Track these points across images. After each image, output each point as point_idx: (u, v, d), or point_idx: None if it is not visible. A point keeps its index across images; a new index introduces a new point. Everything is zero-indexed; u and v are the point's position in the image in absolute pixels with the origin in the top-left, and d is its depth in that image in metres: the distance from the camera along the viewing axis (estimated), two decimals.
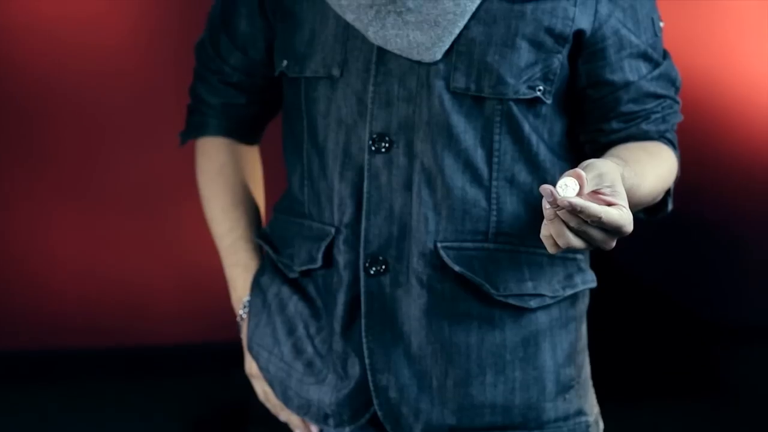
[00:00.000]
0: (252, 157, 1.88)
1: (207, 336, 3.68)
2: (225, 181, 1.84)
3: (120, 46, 3.45)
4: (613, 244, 1.40)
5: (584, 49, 1.63)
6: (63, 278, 3.72)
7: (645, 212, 1.71)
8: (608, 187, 1.38)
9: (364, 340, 1.65)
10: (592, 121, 1.68)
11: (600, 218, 1.34)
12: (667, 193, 1.69)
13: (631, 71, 1.64)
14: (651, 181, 1.59)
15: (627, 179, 1.45)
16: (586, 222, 1.35)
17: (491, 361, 1.65)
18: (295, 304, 1.73)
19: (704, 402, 4.05)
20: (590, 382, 1.76)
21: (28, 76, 3.40)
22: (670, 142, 1.69)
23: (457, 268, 1.61)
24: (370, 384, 1.66)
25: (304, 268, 1.71)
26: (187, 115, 1.87)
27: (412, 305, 1.64)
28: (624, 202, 1.39)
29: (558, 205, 1.33)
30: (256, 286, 1.79)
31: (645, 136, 1.67)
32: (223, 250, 1.84)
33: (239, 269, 1.82)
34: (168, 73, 3.30)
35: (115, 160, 3.61)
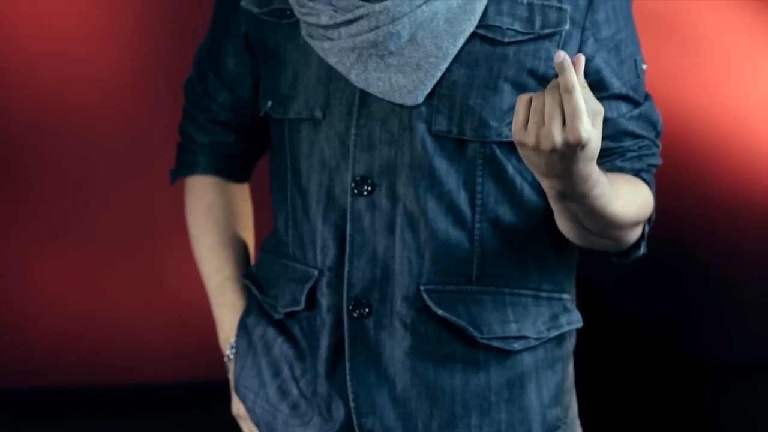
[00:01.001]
0: (242, 195, 1.88)
1: (194, 374, 3.67)
2: (213, 220, 1.84)
3: (108, 83, 3.44)
4: (559, 140, 1.39)
5: None
6: (49, 316, 3.70)
7: (617, 255, 1.69)
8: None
9: (348, 382, 1.65)
10: None
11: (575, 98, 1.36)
12: (642, 236, 1.67)
13: (610, 110, 1.63)
14: (624, 204, 1.56)
15: (601, 184, 1.46)
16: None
17: (476, 403, 1.64)
18: (280, 346, 1.73)
19: None
20: (578, 422, 1.76)
21: (15, 114, 3.40)
22: (645, 182, 1.67)
23: (440, 312, 1.61)
24: (356, 427, 1.66)
25: (288, 309, 1.71)
26: (176, 154, 1.87)
27: (396, 348, 1.63)
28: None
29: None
30: (242, 327, 1.79)
31: (619, 172, 1.65)
32: (211, 289, 1.84)
33: (226, 309, 1.82)
34: (156, 110, 3.30)
35: (103, 198, 3.60)
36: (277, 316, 1.73)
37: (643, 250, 1.68)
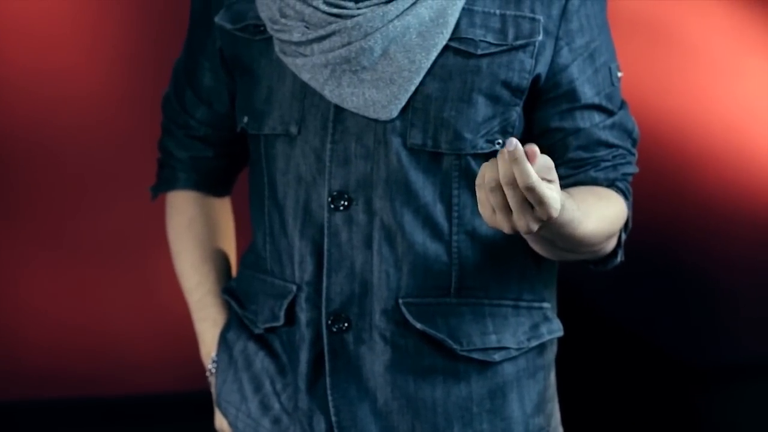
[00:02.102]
0: (222, 210, 1.89)
1: (183, 385, 3.67)
2: (194, 235, 1.84)
3: (95, 97, 3.44)
4: (535, 227, 1.37)
5: (537, 97, 1.63)
6: (37, 328, 3.70)
7: (594, 263, 1.68)
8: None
9: (329, 397, 1.65)
10: None
11: (532, 183, 1.32)
12: (618, 244, 1.66)
13: (583, 119, 1.63)
14: (595, 222, 1.55)
15: (568, 210, 1.44)
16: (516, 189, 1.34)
17: (458, 415, 1.64)
18: (261, 360, 1.73)
19: None
20: (561, 430, 1.76)
21: (1, 128, 3.40)
22: (621, 191, 1.66)
23: (418, 326, 1.61)
24: None
25: (267, 325, 1.71)
26: (157, 169, 1.87)
27: (377, 361, 1.63)
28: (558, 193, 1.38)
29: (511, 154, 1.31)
30: (223, 341, 1.79)
31: (593, 183, 1.65)
32: (192, 304, 1.85)
33: (207, 324, 1.83)
34: (144, 123, 3.29)
35: (92, 210, 3.60)
36: (257, 331, 1.73)
37: (620, 258, 1.68)
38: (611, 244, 1.64)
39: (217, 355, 1.79)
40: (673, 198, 3.37)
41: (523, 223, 1.36)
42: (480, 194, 1.38)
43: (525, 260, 1.65)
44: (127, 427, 4.00)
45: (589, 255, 1.63)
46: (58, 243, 3.60)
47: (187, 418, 3.81)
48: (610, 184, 1.65)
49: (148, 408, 4.01)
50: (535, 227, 1.37)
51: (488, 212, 1.38)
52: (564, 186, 1.63)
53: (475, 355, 1.63)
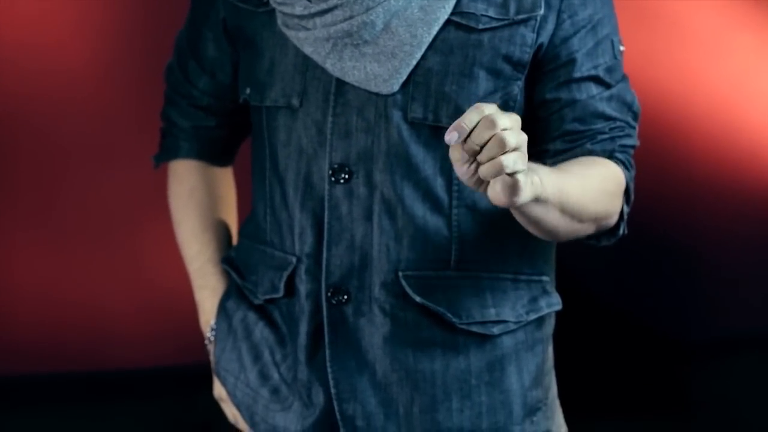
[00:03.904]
0: (224, 179, 1.89)
1: (171, 359, 3.67)
2: (195, 204, 1.85)
3: (80, 72, 3.43)
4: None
5: (536, 69, 1.63)
6: (25, 303, 3.69)
7: (596, 237, 1.67)
8: None
9: (329, 369, 1.66)
10: (538, 141, 1.65)
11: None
12: (621, 217, 1.66)
13: (579, 91, 1.63)
14: (582, 190, 1.55)
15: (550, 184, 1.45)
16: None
17: (457, 387, 1.65)
18: (261, 330, 1.74)
19: (670, 419, 4.06)
20: (557, 402, 1.77)
21: None
22: (619, 161, 1.65)
23: (418, 299, 1.62)
24: (337, 413, 1.66)
25: (267, 296, 1.72)
26: (160, 139, 1.87)
27: (376, 334, 1.64)
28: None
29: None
30: (222, 310, 1.80)
31: (591, 156, 1.64)
32: (192, 273, 1.85)
33: (207, 292, 1.83)
34: (129, 98, 3.29)
35: (78, 186, 3.59)
36: (257, 302, 1.74)
37: (623, 230, 1.67)
38: (611, 215, 1.63)
39: (216, 323, 1.80)
40: (660, 176, 3.38)
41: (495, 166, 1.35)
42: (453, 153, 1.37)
43: (524, 234, 1.65)
44: (117, 402, 4.00)
45: (584, 231, 1.61)
46: (47, 219, 3.59)
47: (178, 392, 3.82)
48: (608, 156, 1.64)
49: (138, 382, 4.01)
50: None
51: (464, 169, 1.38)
52: (562, 161, 1.63)
53: (474, 329, 1.64)
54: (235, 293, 1.79)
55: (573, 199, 1.51)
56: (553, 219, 1.51)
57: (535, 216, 1.48)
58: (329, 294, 1.64)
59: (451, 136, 1.32)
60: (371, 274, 1.63)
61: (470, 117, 1.32)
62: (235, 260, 1.80)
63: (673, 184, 3.47)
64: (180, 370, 3.51)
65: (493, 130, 1.32)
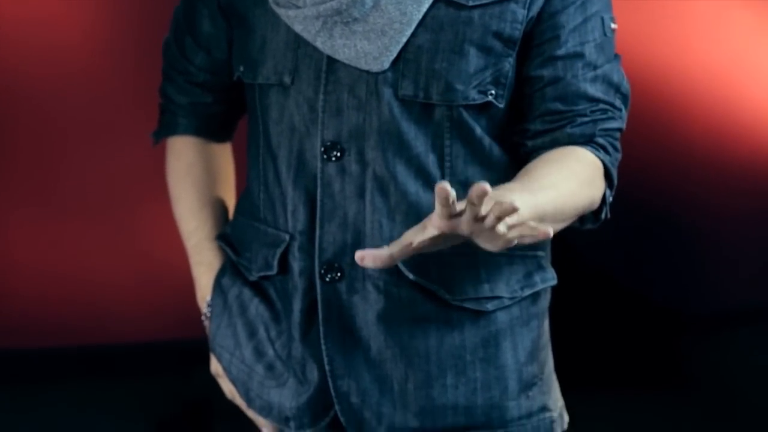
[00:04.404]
0: (223, 155, 1.89)
1: (169, 334, 3.67)
2: (193, 180, 1.85)
3: (79, 46, 3.43)
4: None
5: (526, 45, 1.61)
6: (23, 278, 3.70)
7: (579, 220, 1.65)
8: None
9: (323, 346, 1.66)
10: (519, 120, 1.65)
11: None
12: (603, 202, 1.64)
13: (564, 68, 1.61)
14: (558, 197, 1.53)
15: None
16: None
17: (451, 363, 1.65)
18: (256, 307, 1.74)
19: (668, 392, 4.07)
20: (554, 377, 1.77)
21: None
22: (599, 147, 1.63)
23: (411, 276, 1.62)
24: (331, 390, 1.67)
25: (261, 273, 1.73)
26: (159, 115, 1.88)
27: (370, 311, 1.64)
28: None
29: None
30: (218, 286, 1.80)
31: (570, 141, 1.62)
32: (190, 249, 1.86)
33: (203, 268, 1.84)
34: (127, 73, 3.28)
35: (75, 161, 3.59)
36: (251, 279, 1.75)
37: (605, 214, 1.66)
38: (594, 203, 1.62)
39: (212, 299, 1.81)
40: (659, 151, 3.38)
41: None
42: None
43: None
44: (116, 376, 4.01)
45: (568, 223, 1.60)
46: (46, 195, 3.59)
47: (177, 366, 3.83)
48: (587, 141, 1.62)
49: (137, 357, 4.02)
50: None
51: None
52: (542, 145, 1.62)
53: (468, 305, 1.64)
54: (230, 270, 1.79)
55: (550, 210, 1.50)
56: (533, 233, 1.49)
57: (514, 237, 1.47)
58: (322, 271, 1.64)
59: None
60: None
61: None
62: (230, 237, 1.81)
63: (672, 159, 3.47)
64: (179, 344, 3.51)
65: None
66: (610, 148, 1.64)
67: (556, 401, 1.75)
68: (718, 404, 3.97)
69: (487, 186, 1.29)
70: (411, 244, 1.38)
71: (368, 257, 1.37)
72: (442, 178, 1.61)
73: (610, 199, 1.66)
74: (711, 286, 3.97)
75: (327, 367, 1.66)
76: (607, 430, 3.88)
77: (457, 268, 1.64)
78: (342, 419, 1.68)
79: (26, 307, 3.76)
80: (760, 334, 4.11)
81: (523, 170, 1.57)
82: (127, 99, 2.85)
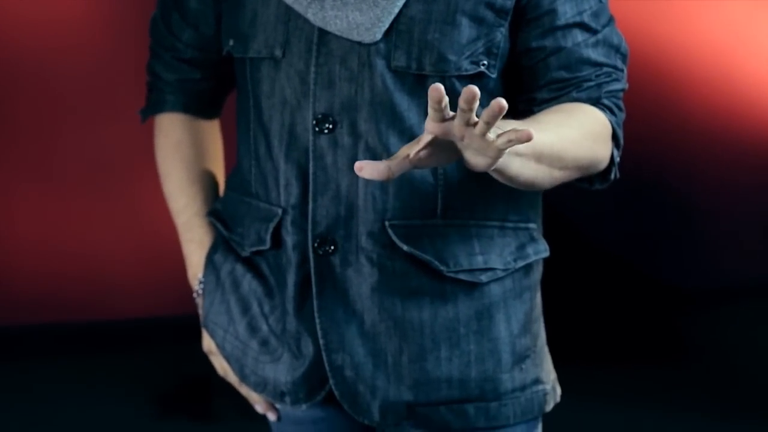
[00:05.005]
0: (211, 132, 1.88)
1: (169, 309, 3.68)
2: (181, 157, 1.84)
3: (77, 22, 3.43)
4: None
5: (520, 17, 1.61)
6: (23, 254, 3.70)
7: (588, 181, 1.66)
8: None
9: (317, 320, 1.66)
10: (524, 89, 1.65)
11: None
12: (612, 161, 1.64)
13: (564, 38, 1.61)
14: (559, 138, 1.52)
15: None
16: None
17: (445, 336, 1.65)
18: (249, 282, 1.74)
19: (668, 366, 4.07)
20: (546, 349, 1.77)
21: None
22: (605, 108, 1.63)
23: (405, 248, 1.61)
24: (326, 363, 1.67)
25: (254, 249, 1.72)
26: (146, 92, 1.87)
27: (363, 284, 1.64)
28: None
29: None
30: (210, 263, 1.80)
31: (574, 103, 1.62)
32: (180, 226, 1.86)
33: (194, 245, 1.84)
34: (126, 48, 3.28)
35: (77, 136, 3.59)
36: (244, 254, 1.74)
37: (613, 175, 1.65)
38: (599, 160, 1.61)
39: (204, 276, 1.80)
40: (659, 123, 3.37)
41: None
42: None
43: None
44: (116, 352, 4.02)
45: (570, 174, 1.59)
46: (44, 169, 3.59)
47: (177, 342, 3.83)
48: (594, 104, 1.62)
49: (137, 332, 4.03)
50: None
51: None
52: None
53: (461, 276, 1.63)
54: (222, 246, 1.79)
55: (548, 148, 1.49)
56: (529, 170, 1.48)
57: (510, 172, 1.46)
58: (316, 245, 1.64)
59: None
60: (357, 224, 1.63)
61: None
62: (221, 213, 1.80)
63: (673, 133, 3.47)
64: (179, 320, 3.51)
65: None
66: (615, 109, 1.64)
67: (549, 374, 1.75)
68: (718, 378, 3.98)
69: (476, 89, 1.27)
70: (408, 156, 1.36)
71: (366, 168, 1.34)
72: None
73: (618, 159, 1.65)
74: (711, 261, 3.97)
75: (321, 341, 1.66)
76: (607, 404, 3.89)
77: (450, 239, 1.63)
78: (336, 392, 1.67)
79: (27, 283, 3.77)
80: (761, 308, 4.12)
81: (529, 119, 1.56)
82: (129, 74, 2.84)
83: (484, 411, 1.67)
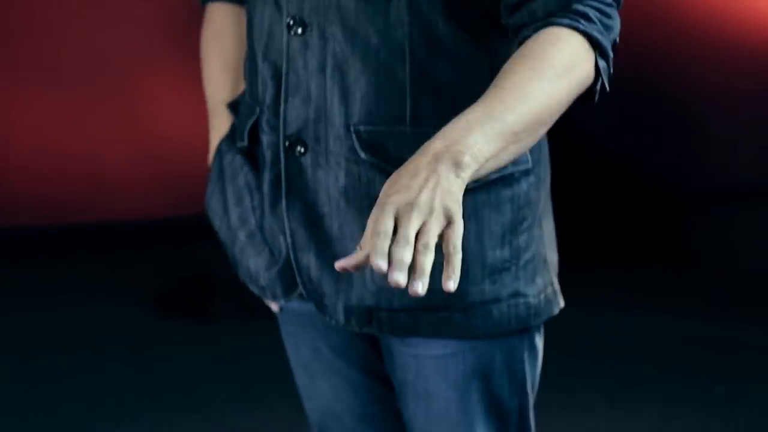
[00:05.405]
0: None
1: (169, 211, 3.70)
2: (219, 45, 1.88)
3: None
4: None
5: None
6: (24, 154, 3.72)
7: (580, 99, 1.55)
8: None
9: (285, 219, 1.68)
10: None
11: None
12: (598, 73, 1.52)
13: None
14: (527, 104, 1.44)
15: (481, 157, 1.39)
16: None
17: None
18: (245, 175, 1.76)
19: (668, 269, 4.07)
20: (543, 262, 1.72)
21: None
22: (580, 16, 1.50)
23: (363, 155, 1.61)
24: (293, 263, 1.68)
25: (239, 144, 1.76)
26: None
27: (332, 187, 1.64)
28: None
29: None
30: (218, 151, 1.83)
31: (546, 13, 1.51)
32: (209, 113, 1.89)
33: (214, 131, 1.87)
34: None
35: (78, 37, 3.59)
36: (240, 146, 1.78)
37: (600, 85, 1.55)
38: (582, 83, 1.52)
39: (212, 163, 1.84)
40: (658, 26, 3.34)
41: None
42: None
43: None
44: (116, 253, 4.05)
45: (556, 114, 1.50)
46: (46, 72, 3.60)
47: (177, 243, 3.86)
48: (565, 9, 1.51)
49: (137, 234, 4.06)
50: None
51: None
52: (521, 24, 1.54)
53: None
54: (231, 136, 1.82)
55: (521, 127, 1.43)
56: (514, 150, 1.44)
57: (495, 166, 1.42)
58: (287, 144, 1.65)
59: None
60: (326, 127, 1.63)
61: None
62: (235, 103, 1.83)
63: (672, 37, 3.42)
64: (179, 221, 3.54)
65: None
66: (593, 14, 1.51)
67: (541, 287, 1.71)
68: (717, 280, 3.98)
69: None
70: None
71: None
72: (404, 55, 1.59)
73: (609, 69, 1.54)
74: (710, 165, 3.95)
75: (288, 240, 1.67)
76: (607, 307, 3.90)
77: (419, 146, 1.61)
78: (303, 292, 1.69)
79: (27, 184, 3.79)
80: (759, 211, 4.10)
81: (494, 82, 1.48)
82: None
83: (448, 320, 1.67)
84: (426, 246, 1.30)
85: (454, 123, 1.40)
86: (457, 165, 1.36)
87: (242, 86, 1.86)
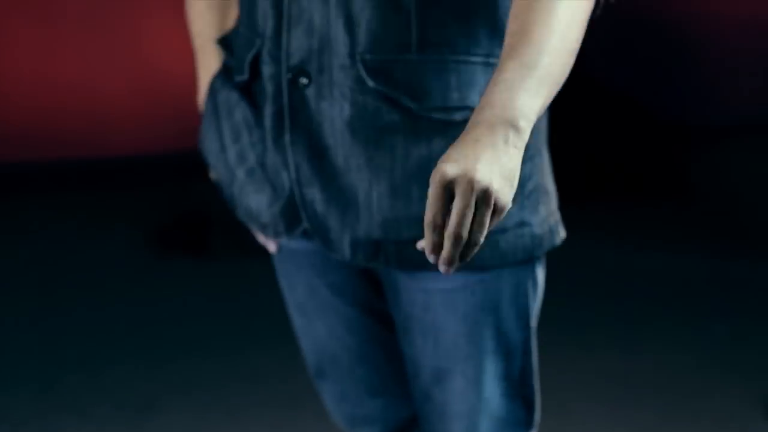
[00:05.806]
0: None
1: (167, 146, 3.68)
2: None
3: None
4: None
5: None
6: (22, 90, 3.70)
7: None
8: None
9: (289, 153, 1.64)
10: None
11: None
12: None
13: None
14: (547, 60, 1.42)
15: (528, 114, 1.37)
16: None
17: (417, 175, 1.61)
18: (242, 111, 1.73)
19: (671, 202, 4.06)
20: (545, 192, 1.70)
21: None
22: None
23: (371, 83, 1.58)
24: (297, 198, 1.65)
25: (238, 78, 1.71)
26: None
27: (337, 119, 1.61)
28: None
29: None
30: (211, 89, 1.80)
31: None
32: (196, 52, 1.85)
33: (204, 71, 1.84)
34: None
35: None
36: (236, 81, 1.73)
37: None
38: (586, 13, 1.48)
39: (205, 101, 1.80)
40: None
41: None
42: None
43: (497, 13, 1.58)
44: (114, 189, 4.04)
45: (575, 50, 1.47)
46: (44, 6, 3.56)
47: (174, 178, 3.84)
48: None
49: (135, 169, 4.05)
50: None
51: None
52: None
53: (434, 115, 1.59)
54: (224, 73, 1.78)
55: (554, 64, 1.41)
56: (556, 89, 1.43)
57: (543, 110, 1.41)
58: (290, 76, 1.62)
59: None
60: (330, 58, 1.59)
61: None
62: (229, 40, 1.79)
63: None
64: (177, 156, 3.52)
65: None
66: None
67: (544, 216, 1.70)
68: (720, 213, 3.98)
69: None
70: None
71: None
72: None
73: None
74: (714, 97, 3.94)
75: (293, 175, 1.64)
76: (609, 240, 3.90)
77: (425, 74, 1.58)
78: (308, 227, 1.67)
79: (25, 120, 3.77)
80: (762, 144, 4.10)
81: (510, 25, 1.45)
82: None
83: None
84: (462, 237, 1.30)
85: (493, 85, 1.36)
86: (515, 130, 1.35)
87: (229, 23, 1.83)
